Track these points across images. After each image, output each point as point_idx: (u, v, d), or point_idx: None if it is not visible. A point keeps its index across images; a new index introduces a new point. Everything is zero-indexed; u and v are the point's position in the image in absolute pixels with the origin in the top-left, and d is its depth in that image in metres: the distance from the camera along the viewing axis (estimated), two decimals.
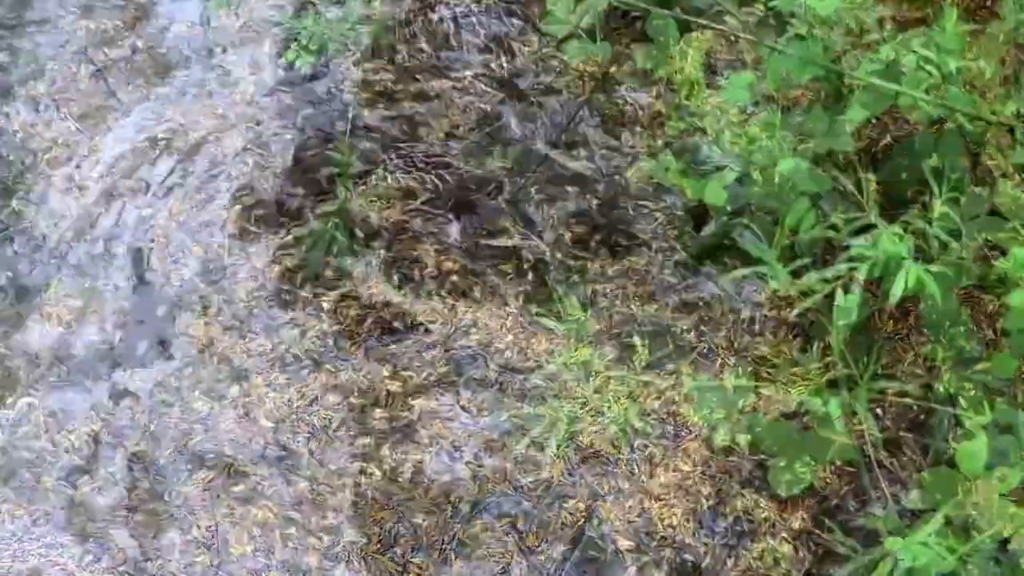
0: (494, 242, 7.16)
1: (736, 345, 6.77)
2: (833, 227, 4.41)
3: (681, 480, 6.41)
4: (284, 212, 7.19)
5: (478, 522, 6.33)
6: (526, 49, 8.12)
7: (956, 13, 5.82)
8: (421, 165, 7.43)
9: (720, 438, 5.59)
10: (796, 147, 6.38)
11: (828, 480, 6.38)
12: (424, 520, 6.30)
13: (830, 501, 6.37)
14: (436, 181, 7.36)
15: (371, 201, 7.21)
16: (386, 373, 6.68)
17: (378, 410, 6.57)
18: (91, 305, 6.87)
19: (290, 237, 7.07)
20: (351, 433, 6.52)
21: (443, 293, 6.94)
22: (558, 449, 6.29)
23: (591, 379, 5.46)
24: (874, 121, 6.99)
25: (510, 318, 6.90)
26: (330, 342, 6.75)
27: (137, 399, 6.60)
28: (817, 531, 6.23)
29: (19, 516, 6.27)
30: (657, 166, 6.60)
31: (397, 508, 6.32)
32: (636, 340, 6.18)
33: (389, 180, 7.33)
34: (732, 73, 6.97)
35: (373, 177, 7.33)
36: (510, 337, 6.84)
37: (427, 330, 6.81)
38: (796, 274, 4.49)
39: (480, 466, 6.45)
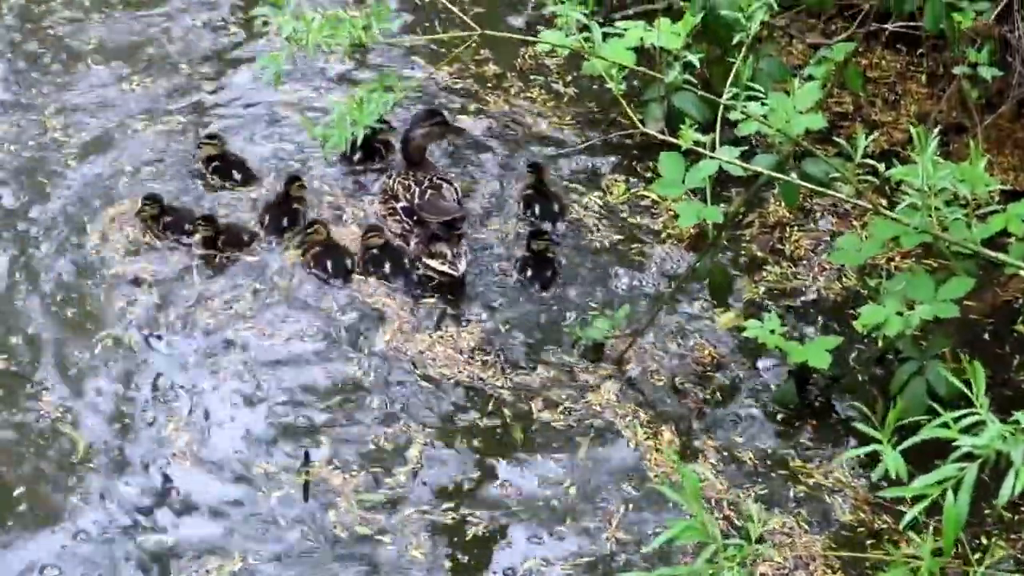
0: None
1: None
2: (944, 424, 4.37)
3: None
4: None
5: None
6: (615, 189, 8.26)
7: None
8: None
9: None
10: (902, 311, 6.38)
11: None
12: None
13: None
14: None
15: None
16: None
17: None
18: None
19: None
20: None
21: None
22: None
23: None
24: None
25: None
26: None
27: None
28: None
29: None
30: (761, 329, 6.59)
31: None
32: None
33: None
34: (841, 238, 6.99)
35: None
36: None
37: None
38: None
39: None
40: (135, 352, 7.24)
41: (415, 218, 7.88)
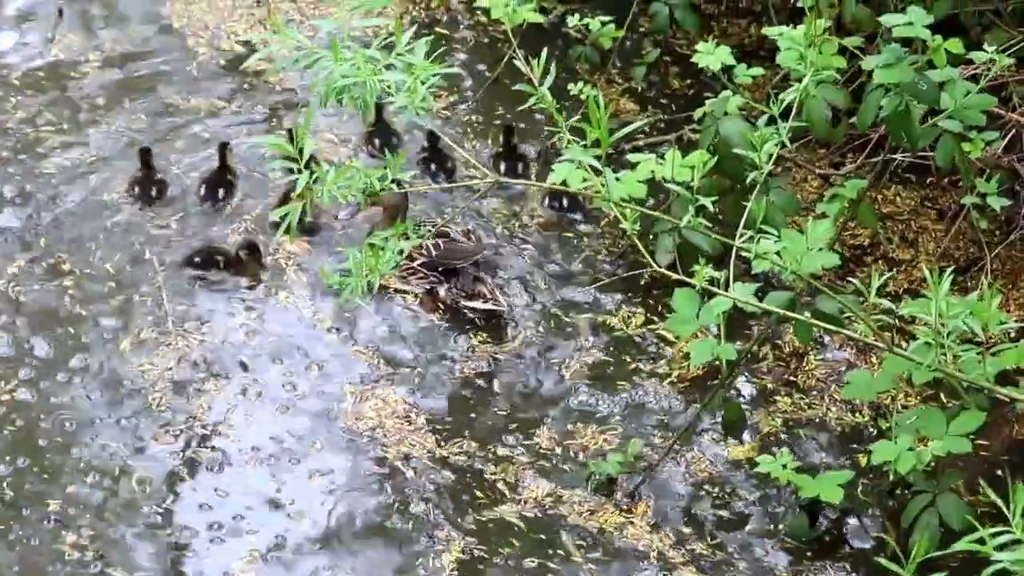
0: None
1: None
2: (980, 539, 4.42)
3: None
4: None
5: None
6: (634, 320, 8.21)
7: None
8: None
9: None
10: (914, 447, 6.37)
11: None
12: None
13: None
14: None
15: None
16: None
17: None
18: None
19: None
20: None
21: None
22: None
23: None
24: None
25: None
26: None
27: None
28: None
29: None
30: (773, 463, 6.58)
31: None
32: None
33: None
34: (853, 372, 7.01)
35: None
36: None
37: None
38: None
39: None
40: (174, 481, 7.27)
41: (440, 270, 7.94)
